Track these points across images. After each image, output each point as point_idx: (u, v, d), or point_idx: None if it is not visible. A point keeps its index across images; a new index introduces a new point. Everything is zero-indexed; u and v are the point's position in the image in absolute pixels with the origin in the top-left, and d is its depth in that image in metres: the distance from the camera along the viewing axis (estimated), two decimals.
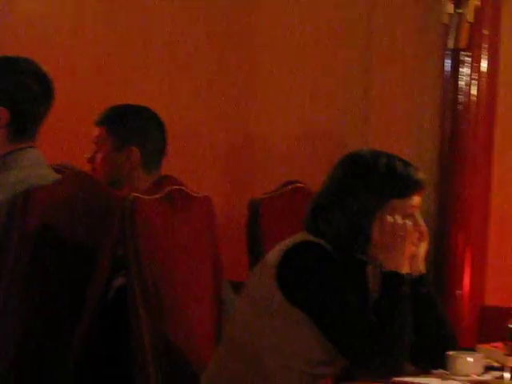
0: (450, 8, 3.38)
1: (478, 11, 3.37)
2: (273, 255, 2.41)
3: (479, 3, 3.38)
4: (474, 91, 3.41)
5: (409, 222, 2.37)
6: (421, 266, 2.46)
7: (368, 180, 2.43)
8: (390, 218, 2.36)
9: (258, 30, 3.64)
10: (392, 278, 2.37)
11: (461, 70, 3.39)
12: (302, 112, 3.58)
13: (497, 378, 2.30)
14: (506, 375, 2.19)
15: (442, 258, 3.42)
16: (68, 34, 3.87)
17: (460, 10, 3.36)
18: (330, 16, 3.64)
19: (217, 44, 3.67)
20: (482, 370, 2.33)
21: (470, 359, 2.32)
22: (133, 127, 3.18)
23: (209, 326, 2.85)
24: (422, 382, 2.24)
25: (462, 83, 3.41)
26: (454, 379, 2.27)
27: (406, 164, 2.42)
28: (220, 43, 3.68)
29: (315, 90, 3.64)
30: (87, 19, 3.88)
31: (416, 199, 2.40)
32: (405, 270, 2.37)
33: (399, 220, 2.36)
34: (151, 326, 2.61)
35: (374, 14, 3.50)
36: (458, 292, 3.41)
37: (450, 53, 3.40)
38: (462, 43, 3.33)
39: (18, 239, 2.59)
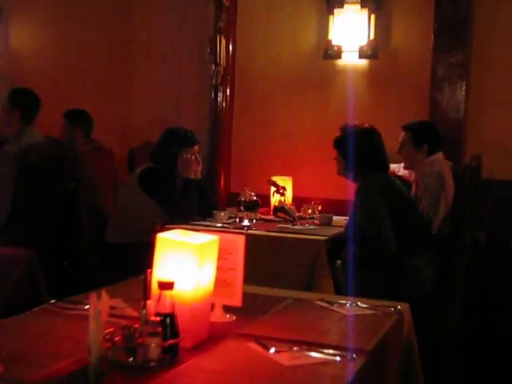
0: (213, 66, 4.78)
1: (227, 65, 4.74)
2: (138, 170, 3.75)
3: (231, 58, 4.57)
4: (224, 105, 4.87)
5: (193, 157, 3.69)
6: (199, 175, 3.79)
7: (175, 139, 3.70)
8: (185, 156, 3.64)
9: None
10: (188, 182, 3.63)
11: (218, 94, 4.95)
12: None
13: (234, 221, 3.42)
14: (237, 220, 3.47)
15: (212, 172, 4.96)
16: None
17: (217, 68, 4.76)
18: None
19: None
20: (228, 218, 3.63)
21: (222, 213, 3.67)
22: None
23: (110, 202, 4.18)
24: (202, 222, 3.49)
25: (219, 100, 4.92)
26: (215, 223, 3.49)
27: (192, 132, 3.77)
28: None
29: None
30: None
31: (196, 148, 3.78)
32: (192, 177, 3.69)
33: (189, 156, 3.62)
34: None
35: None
36: (217, 186, 4.93)
37: (213, 86, 4.95)
38: (218, 81, 4.93)
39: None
